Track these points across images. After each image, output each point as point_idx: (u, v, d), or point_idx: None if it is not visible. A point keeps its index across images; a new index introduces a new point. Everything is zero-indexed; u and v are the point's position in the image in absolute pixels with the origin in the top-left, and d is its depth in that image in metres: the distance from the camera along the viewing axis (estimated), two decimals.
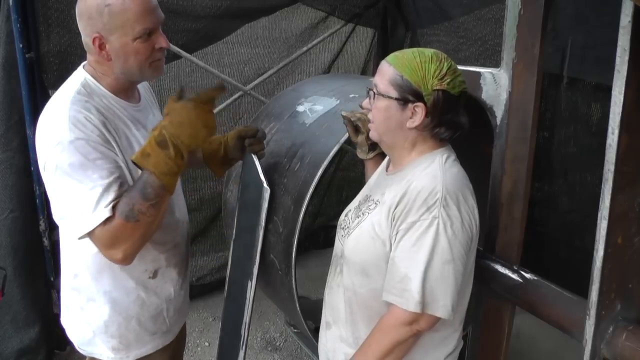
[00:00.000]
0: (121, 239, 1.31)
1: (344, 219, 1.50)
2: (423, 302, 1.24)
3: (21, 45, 2.34)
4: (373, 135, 1.40)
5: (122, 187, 1.33)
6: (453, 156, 1.37)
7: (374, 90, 1.35)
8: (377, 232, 1.33)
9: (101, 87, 1.44)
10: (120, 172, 1.35)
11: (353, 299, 1.42)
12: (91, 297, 1.49)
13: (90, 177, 1.29)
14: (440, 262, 1.23)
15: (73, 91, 1.39)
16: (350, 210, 1.51)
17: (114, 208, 1.29)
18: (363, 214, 1.41)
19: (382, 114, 1.34)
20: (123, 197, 1.32)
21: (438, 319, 1.28)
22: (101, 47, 1.38)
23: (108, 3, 1.34)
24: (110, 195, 1.30)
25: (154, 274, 1.55)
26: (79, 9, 1.38)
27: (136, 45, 1.38)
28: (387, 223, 1.31)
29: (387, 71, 1.32)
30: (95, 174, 1.29)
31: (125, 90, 1.49)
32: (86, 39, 1.40)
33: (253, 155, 1.96)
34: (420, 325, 1.28)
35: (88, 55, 1.45)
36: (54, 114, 1.35)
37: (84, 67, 1.48)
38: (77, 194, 1.29)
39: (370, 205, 1.41)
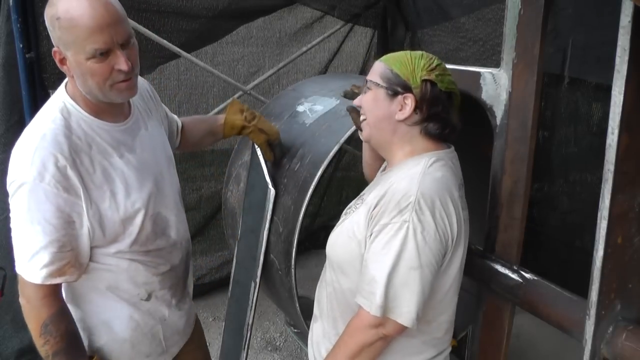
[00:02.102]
0: (32, 314, 1.33)
1: (343, 215, 1.51)
2: (384, 307, 1.21)
3: (21, 45, 2.34)
4: (365, 133, 1.41)
5: (63, 249, 1.28)
6: (443, 161, 1.32)
7: (366, 86, 1.38)
8: (355, 232, 1.32)
9: (80, 109, 1.33)
10: (68, 232, 1.28)
11: (333, 295, 1.42)
12: (81, 317, 1.44)
13: (33, 229, 1.25)
14: (406, 268, 1.20)
15: (49, 120, 1.29)
16: (349, 207, 1.51)
17: (53, 277, 1.29)
18: (351, 211, 1.41)
19: (371, 104, 1.36)
20: (65, 318, 1.33)
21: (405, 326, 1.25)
22: (62, 62, 1.27)
23: (58, 16, 1.20)
24: (46, 257, 1.26)
25: (148, 297, 1.49)
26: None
27: (90, 65, 1.23)
28: (364, 223, 1.30)
29: (378, 67, 1.37)
30: (39, 227, 1.25)
31: (105, 109, 1.36)
32: None
33: (260, 157, 1.97)
34: (387, 330, 1.24)
35: None
36: (26, 145, 1.27)
37: (65, 85, 1.37)
38: (20, 233, 1.28)
39: (357, 204, 1.41)
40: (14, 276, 2.47)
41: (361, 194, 1.49)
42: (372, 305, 1.22)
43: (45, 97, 2.45)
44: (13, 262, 2.46)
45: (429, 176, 1.26)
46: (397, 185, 1.26)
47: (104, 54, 1.23)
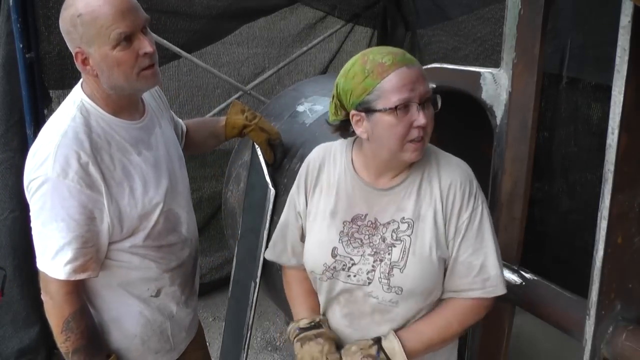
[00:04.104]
0: (54, 311, 1.33)
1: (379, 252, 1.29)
2: (504, 280, 1.29)
3: (21, 45, 2.33)
4: (419, 154, 1.24)
5: (86, 244, 1.29)
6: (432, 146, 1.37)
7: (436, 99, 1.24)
8: (436, 253, 1.25)
9: (99, 108, 1.35)
10: (90, 228, 1.30)
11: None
12: (93, 314, 1.43)
13: (57, 226, 1.26)
14: (495, 239, 1.30)
15: (69, 118, 1.31)
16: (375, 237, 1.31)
17: (77, 273, 1.30)
18: (401, 239, 1.26)
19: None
20: (86, 315, 1.35)
21: None
22: (84, 62, 1.29)
23: (79, 13, 1.24)
24: (70, 253, 1.27)
25: (157, 293, 1.49)
26: (60, 26, 1.29)
27: (117, 55, 1.26)
28: (439, 232, 1.26)
29: (423, 74, 1.22)
30: (63, 223, 1.26)
31: (123, 107, 1.39)
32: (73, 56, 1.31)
33: (260, 157, 1.97)
34: (492, 302, 1.32)
35: (82, 74, 1.36)
36: (46, 144, 1.28)
37: (81, 85, 1.38)
38: (43, 230, 1.28)
39: (402, 228, 1.27)
40: (14, 276, 2.50)
41: (369, 220, 1.30)
42: (496, 289, 1.28)
43: (45, 97, 2.45)
44: (13, 262, 2.48)
45: (454, 160, 1.33)
46: (451, 178, 1.28)
47: (128, 40, 1.26)
